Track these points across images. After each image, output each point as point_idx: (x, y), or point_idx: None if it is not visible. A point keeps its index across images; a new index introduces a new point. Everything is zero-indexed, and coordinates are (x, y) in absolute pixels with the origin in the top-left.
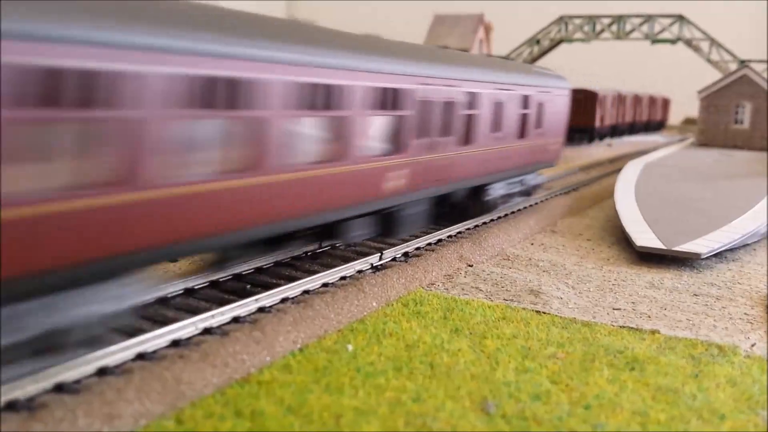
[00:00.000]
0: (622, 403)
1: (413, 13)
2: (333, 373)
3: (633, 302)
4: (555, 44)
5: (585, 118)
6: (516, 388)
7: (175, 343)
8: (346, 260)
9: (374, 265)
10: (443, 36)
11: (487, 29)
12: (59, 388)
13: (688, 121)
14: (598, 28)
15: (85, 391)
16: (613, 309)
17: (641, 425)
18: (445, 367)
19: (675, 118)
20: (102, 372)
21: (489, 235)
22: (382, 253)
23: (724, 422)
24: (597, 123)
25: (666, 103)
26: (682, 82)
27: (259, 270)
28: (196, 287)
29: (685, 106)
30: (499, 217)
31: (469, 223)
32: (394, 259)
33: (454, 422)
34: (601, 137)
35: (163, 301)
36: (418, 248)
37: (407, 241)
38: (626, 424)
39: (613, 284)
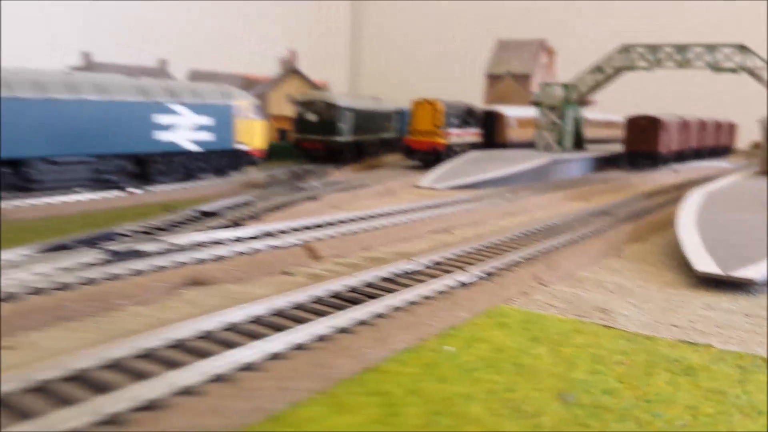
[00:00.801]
0: (677, 400)
1: (478, 35)
2: (438, 367)
3: (691, 321)
4: (618, 72)
5: (648, 144)
6: (589, 385)
7: (321, 338)
8: (440, 277)
9: (463, 282)
10: (506, 61)
11: (550, 54)
12: (247, 368)
13: (756, 146)
14: (661, 56)
15: (263, 369)
16: (673, 326)
17: (692, 416)
18: (529, 367)
19: (742, 142)
20: (275, 356)
21: (560, 258)
22: (467, 271)
23: (762, 417)
24: (661, 149)
25: (732, 128)
26: (748, 106)
27: (368, 284)
28: (323, 297)
29: (753, 132)
30: (569, 243)
31: (541, 247)
32: (479, 278)
33: (540, 408)
34: (666, 163)
35: (300, 306)
36: (498, 268)
37: (489, 262)
38: (680, 415)
39: (673, 305)
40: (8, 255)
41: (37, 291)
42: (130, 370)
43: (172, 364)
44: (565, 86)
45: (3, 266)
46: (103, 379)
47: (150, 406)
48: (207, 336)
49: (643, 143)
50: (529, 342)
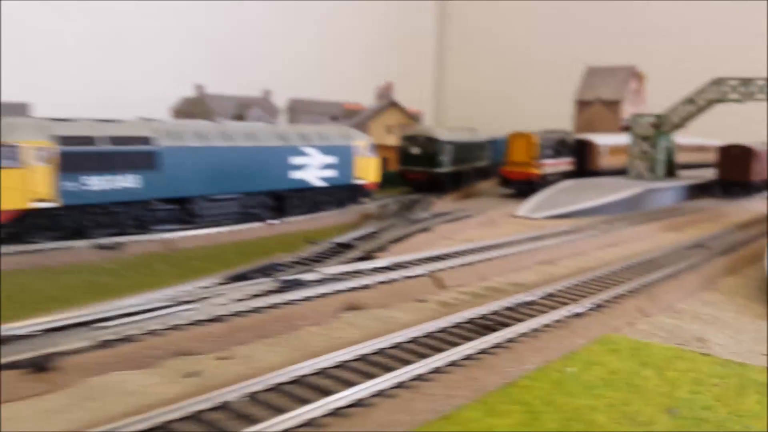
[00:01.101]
0: (765, 415)
1: (564, 62)
2: (564, 384)
3: None
4: (710, 104)
5: (741, 173)
6: (690, 402)
7: (468, 357)
8: (556, 308)
9: (577, 313)
10: (595, 87)
11: (640, 79)
12: (419, 378)
13: None
14: (753, 90)
15: (432, 380)
16: (762, 354)
17: None
18: (639, 386)
19: None
20: (437, 370)
21: (660, 291)
22: (579, 304)
23: None
24: (753, 178)
25: None
26: None
27: (495, 312)
28: (461, 323)
29: None
30: (667, 276)
31: (643, 280)
32: (589, 308)
33: (651, 419)
34: (758, 191)
35: (444, 330)
36: (606, 300)
37: (597, 294)
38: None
39: (764, 336)
40: (204, 283)
41: (238, 314)
42: (333, 377)
43: (365, 374)
44: (658, 117)
45: (206, 294)
46: (318, 384)
47: (357, 404)
48: (380, 352)
49: (735, 172)
50: (637, 366)
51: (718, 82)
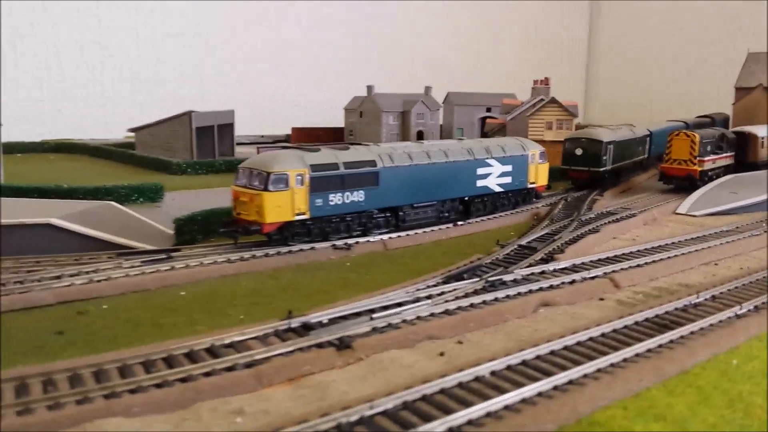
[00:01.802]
0: None
1: (717, 50)
2: (729, 373)
3: None
4: None
5: None
6: None
7: (649, 350)
8: (722, 310)
9: (737, 314)
10: (757, 74)
11: None
12: (599, 371)
13: None
14: None
15: (619, 369)
16: None
17: None
18: None
19: None
20: (625, 360)
21: None
22: (740, 306)
23: None
24: None
25: None
26: None
27: (668, 312)
28: (641, 321)
29: None
30: None
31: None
32: (749, 310)
33: None
34: None
35: (627, 327)
36: (764, 302)
37: (757, 297)
38: None
39: None
40: (429, 281)
41: (462, 308)
42: (549, 361)
43: (572, 360)
44: None
45: (434, 292)
46: (540, 367)
47: (570, 382)
48: (579, 344)
49: None
50: None
51: None
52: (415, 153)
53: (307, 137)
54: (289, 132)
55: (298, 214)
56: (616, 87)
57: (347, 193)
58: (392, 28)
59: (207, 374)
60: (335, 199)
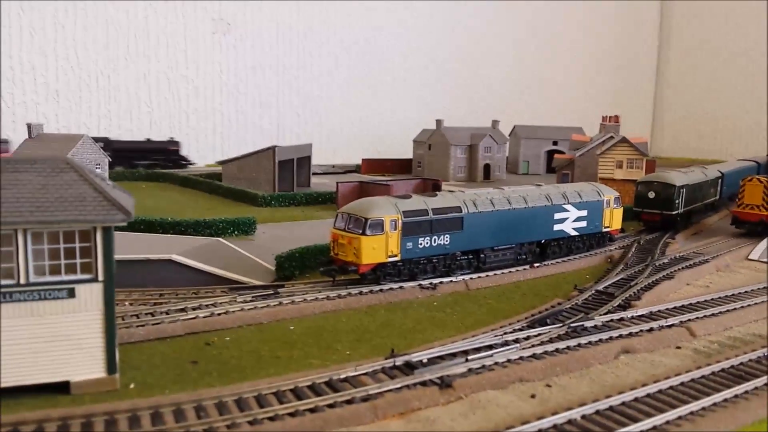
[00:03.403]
0: None
1: None
2: None
3: None
4: None
5: None
6: None
7: (725, 400)
8: (746, 379)
9: None
10: None
11: None
12: (679, 417)
13: None
14: None
15: (699, 417)
16: None
17: None
18: None
19: None
20: (703, 408)
21: None
22: None
23: None
24: None
25: None
26: None
27: (692, 380)
28: (717, 371)
29: None
30: None
31: None
32: None
33: None
34: None
35: (704, 377)
36: None
37: None
38: None
39: None
40: (515, 325)
41: (548, 352)
42: (633, 407)
43: (656, 408)
44: None
45: (521, 336)
46: (627, 413)
47: (684, 417)
48: (660, 392)
49: None
50: None
51: None
52: (497, 199)
53: (376, 168)
54: (359, 162)
55: (390, 256)
56: (686, 119)
57: (435, 237)
58: (463, 61)
59: (330, 406)
60: (424, 242)
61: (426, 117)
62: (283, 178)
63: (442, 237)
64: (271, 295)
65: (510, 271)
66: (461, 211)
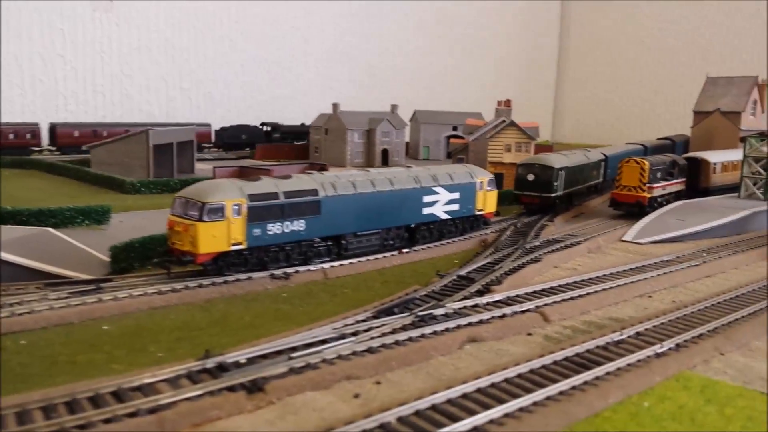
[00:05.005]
0: None
1: (683, 72)
2: (638, 416)
3: None
4: None
5: None
6: None
7: (561, 392)
8: (642, 348)
9: (657, 353)
10: (716, 97)
11: (762, 89)
12: (506, 415)
13: None
14: None
15: (527, 413)
16: None
17: None
18: (699, 421)
19: None
20: (535, 404)
21: (739, 330)
22: (661, 344)
23: None
24: None
25: None
26: None
27: (589, 351)
28: (559, 360)
29: None
30: (750, 314)
31: (726, 320)
32: (670, 348)
33: None
34: None
35: (544, 367)
36: (687, 340)
37: (680, 334)
38: None
39: None
40: (359, 316)
41: (386, 345)
42: (459, 406)
43: (483, 405)
44: None
45: (362, 327)
46: (449, 412)
47: (511, 415)
48: (493, 386)
49: None
50: (703, 402)
51: None
52: (360, 182)
53: (272, 154)
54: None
55: (234, 244)
56: (586, 106)
57: (287, 223)
58: (368, 46)
59: (107, 420)
60: (274, 228)
61: (329, 102)
62: (161, 163)
63: (296, 222)
64: (90, 291)
65: (376, 258)
66: (318, 194)
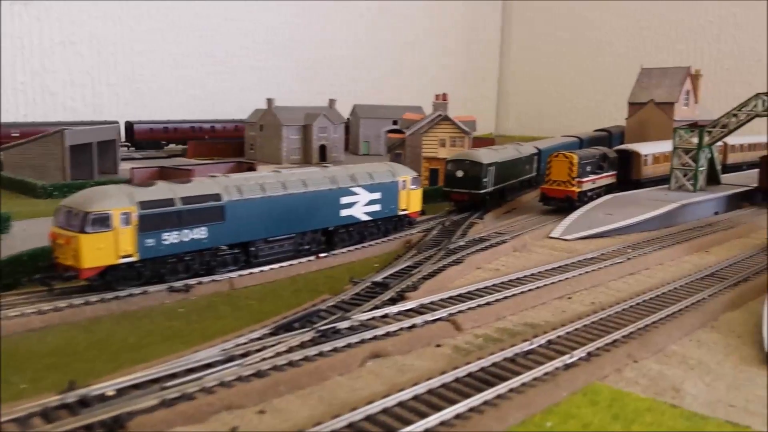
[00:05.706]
0: None
1: (623, 63)
2: None
3: (747, 400)
4: (750, 118)
5: None
6: None
7: (458, 416)
8: (550, 360)
9: (567, 364)
10: (650, 88)
11: (695, 79)
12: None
13: None
14: None
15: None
16: (730, 405)
17: None
18: None
19: None
20: (427, 431)
21: (655, 333)
22: (570, 354)
23: None
24: None
25: None
26: None
27: (495, 364)
28: (461, 377)
29: None
30: (668, 316)
31: (642, 323)
32: (580, 358)
33: None
34: None
35: (446, 386)
36: (599, 347)
37: (592, 342)
38: None
39: (738, 383)
40: (255, 335)
41: (277, 367)
42: (360, 430)
43: (387, 428)
44: (700, 132)
45: (254, 347)
46: None
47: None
48: (385, 412)
49: None
50: (609, 418)
51: (758, 97)
52: (270, 184)
53: (205, 152)
54: (186, 146)
55: (123, 257)
56: (529, 99)
57: (186, 231)
58: (308, 40)
59: None
60: (171, 237)
61: (266, 97)
62: (78, 164)
63: (196, 230)
64: None
65: (291, 264)
66: (221, 199)
